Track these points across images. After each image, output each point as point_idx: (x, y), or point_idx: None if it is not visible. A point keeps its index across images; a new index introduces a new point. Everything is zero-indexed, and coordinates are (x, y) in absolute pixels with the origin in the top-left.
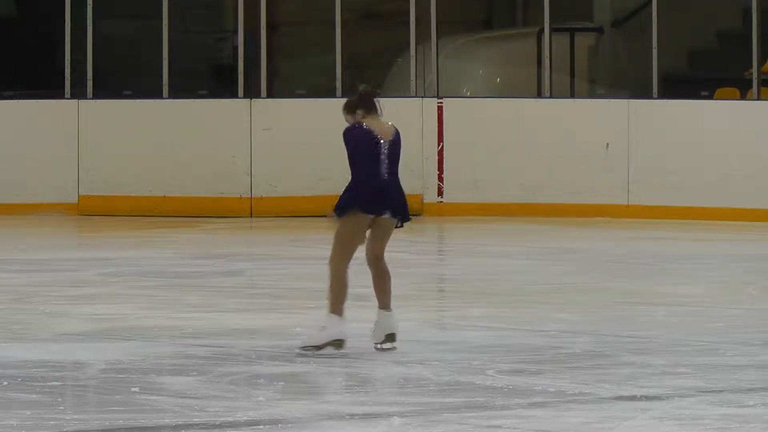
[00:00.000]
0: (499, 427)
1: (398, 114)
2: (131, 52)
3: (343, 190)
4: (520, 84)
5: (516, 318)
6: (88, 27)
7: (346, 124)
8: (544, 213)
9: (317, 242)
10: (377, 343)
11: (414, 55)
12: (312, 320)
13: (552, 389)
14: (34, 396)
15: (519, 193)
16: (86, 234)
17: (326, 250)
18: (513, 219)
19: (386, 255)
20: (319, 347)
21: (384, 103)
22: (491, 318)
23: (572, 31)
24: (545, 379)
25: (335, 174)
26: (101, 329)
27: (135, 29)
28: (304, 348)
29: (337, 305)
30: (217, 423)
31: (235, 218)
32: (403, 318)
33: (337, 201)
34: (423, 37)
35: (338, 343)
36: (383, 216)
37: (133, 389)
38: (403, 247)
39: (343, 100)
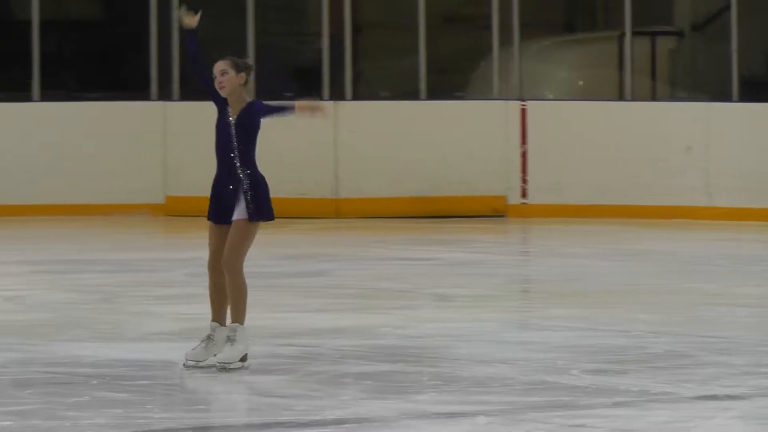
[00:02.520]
0: (583, 426)
1: (482, 116)
2: (216, 53)
3: (254, 186)
4: (601, 87)
5: (599, 318)
6: (174, 30)
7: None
8: (626, 215)
9: (401, 242)
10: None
11: (497, 57)
12: (397, 320)
13: (635, 389)
14: (123, 395)
15: (601, 194)
16: (173, 234)
17: (414, 251)
18: (595, 220)
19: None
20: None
21: (468, 106)
22: (575, 318)
23: (653, 35)
24: (628, 378)
25: (419, 175)
26: (189, 329)
27: (220, 31)
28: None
29: (244, 314)
30: (304, 421)
31: (320, 219)
32: (488, 318)
33: (262, 205)
34: (505, 40)
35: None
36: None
37: (220, 388)
38: (487, 248)
39: (428, 103)
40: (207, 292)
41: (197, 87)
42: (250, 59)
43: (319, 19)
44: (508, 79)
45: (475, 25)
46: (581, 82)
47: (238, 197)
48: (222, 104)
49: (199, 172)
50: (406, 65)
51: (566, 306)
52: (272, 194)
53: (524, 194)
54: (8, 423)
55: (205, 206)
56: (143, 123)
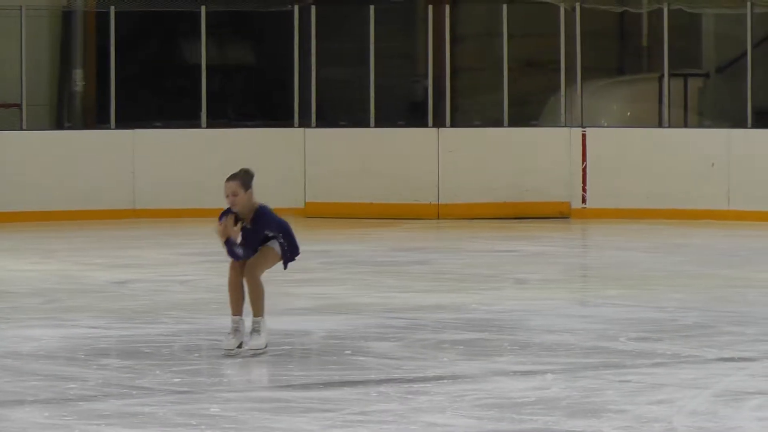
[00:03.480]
0: (629, 381)
1: (551, 139)
2: (345, 91)
3: (284, 238)
4: (645, 117)
5: (642, 297)
6: (312, 71)
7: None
8: (663, 216)
9: (489, 238)
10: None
11: (564, 94)
12: (484, 298)
13: (669, 353)
14: (269, 357)
15: (645, 200)
16: (311, 232)
17: (499, 245)
18: (640, 221)
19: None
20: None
21: (541, 131)
22: (623, 297)
23: (685, 76)
24: (664, 344)
25: (505, 185)
26: (322, 305)
27: (348, 74)
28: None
29: (263, 308)
30: (411, 378)
31: (425, 220)
32: (555, 297)
33: (292, 250)
34: (570, 80)
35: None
36: None
37: (346, 352)
38: (555, 243)
39: (510, 129)
40: (337, 276)
41: (329, 117)
42: (251, 169)
43: (426, 63)
44: (572, 111)
45: (547, 68)
46: (629, 113)
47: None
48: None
49: (330, 183)
50: (492, 99)
51: (616, 287)
52: (387, 200)
53: (584, 200)
54: (178, 380)
55: (336, 211)
56: (287, 145)
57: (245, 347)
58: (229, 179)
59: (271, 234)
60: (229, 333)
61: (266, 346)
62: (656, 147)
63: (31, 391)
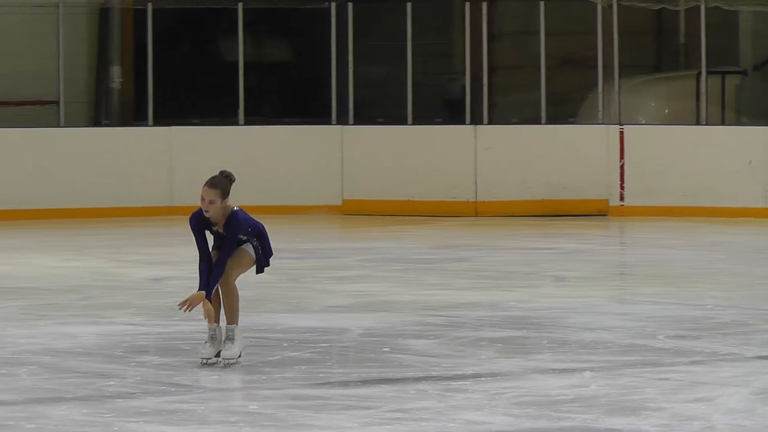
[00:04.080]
0: (667, 379)
1: (589, 137)
2: (383, 88)
3: (258, 241)
4: (682, 114)
5: (679, 295)
6: (350, 68)
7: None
8: (701, 214)
9: (527, 235)
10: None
11: (601, 91)
12: (523, 296)
13: (707, 350)
14: (307, 354)
15: (683, 198)
16: (348, 229)
17: (537, 242)
18: (678, 218)
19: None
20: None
21: (578, 129)
22: (661, 295)
23: (723, 74)
24: (702, 342)
25: (543, 183)
26: (360, 303)
27: (386, 71)
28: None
29: (237, 316)
30: (450, 375)
31: (463, 217)
32: (593, 295)
33: (266, 255)
34: (608, 77)
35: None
36: None
37: (384, 349)
38: (593, 240)
39: (548, 127)
40: (374, 274)
41: (366, 114)
42: (233, 174)
43: (463, 61)
44: (609, 108)
45: (584, 66)
46: (667, 111)
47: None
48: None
49: (367, 180)
50: (530, 97)
51: (654, 285)
52: (424, 198)
53: (622, 198)
54: (216, 377)
55: (373, 208)
56: (325, 142)
57: (221, 357)
58: (209, 186)
59: (244, 237)
60: (205, 341)
61: (240, 356)
62: (694, 145)
63: (69, 388)
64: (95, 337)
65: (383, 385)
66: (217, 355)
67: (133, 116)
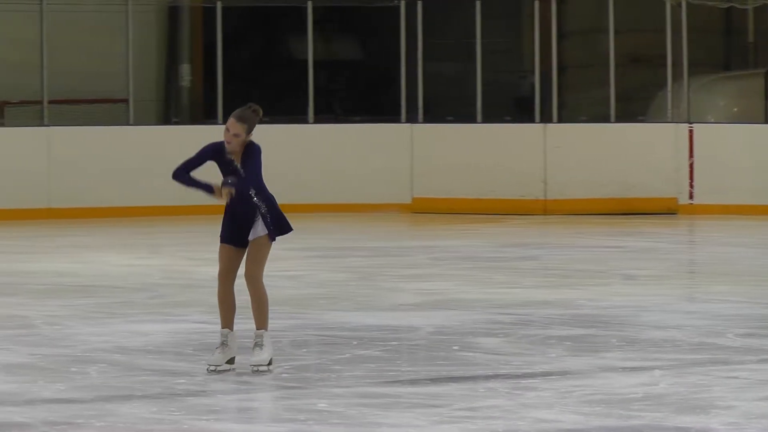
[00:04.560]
0: (737, 377)
1: (658, 135)
2: (452, 87)
3: (270, 209)
4: (750, 112)
5: (748, 293)
6: (419, 67)
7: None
8: None
9: (596, 234)
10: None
11: (670, 89)
12: (592, 294)
13: None
14: (377, 352)
15: (751, 196)
16: (418, 227)
17: (606, 241)
18: (747, 216)
19: None
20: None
21: (647, 127)
22: (730, 293)
23: None
24: None
25: (612, 181)
26: (429, 301)
27: (455, 69)
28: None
29: (267, 321)
30: (519, 374)
31: (532, 216)
32: (662, 293)
33: (280, 222)
34: (677, 75)
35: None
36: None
37: (453, 347)
38: (662, 239)
39: (617, 125)
40: (444, 272)
41: (436, 113)
42: (259, 108)
43: (533, 59)
44: (678, 107)
45: (653, 64)
46: (735, 109)
47: (255, 219)
48: (222, 163)
49: (437, 178)
50: (599, 95)
51: (723, 283)
52: (494, 196)
53: (691, 196)
54: (287, 375)
55: (444, 206)
56: (394, 140)
57: (249, 363)
58: (237, 119)
59: (255, 201)
60: (216, 347)
61: (270, 363)
62: (762, 143)
63: (139, 386)
64: (166, 335)
65: (453, 384)
66: (229, 362)
67: (203, 114)
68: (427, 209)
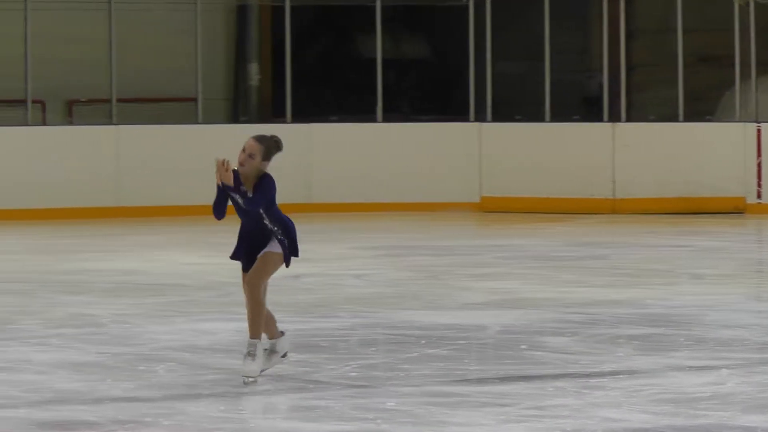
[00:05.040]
0: None
1: (726, 135)
2: (521, 86)
3: (285, 233)
4: None
5: None
6: (488, 66)
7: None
8: None
9: (664, 233)
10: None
11: (738, 89)
12: (660, 293)
13: None
14: (445, 351)
15: None
16: (486, 226)
17: (674, 240)
18: None
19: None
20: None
21: (716, 127)
22: None
23: None
24: None
25: (680, 180)
26: (497, 300)
27: (524, 68)
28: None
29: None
30: (587, 373)
31: (600, 215)
32: (730, 292)
33: (289, 249)
34: (745, 75)
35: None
36: None
37: (522, 346)
38: (730, 238)
39: (685, 124)
40: (512, 271)
41: (504, 112)
42: (282, 142)
43: (601, 58)
44: (746, 106)
45: (721, 63)
46: None
47: (270, 242)
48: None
49: (506, 178)
50: (667, 95)
51: None
52: (562, 195)
53: (759, 195)
54: (355, 374)
55: (513, 205)
56: (463, 139)
57: (241, 374)
58: (255, 139)
59: (270, 225)
60: (245, 356)
61: (261, 374)
62: None
63: (206, 384)
64: (233, 333)
65: (521, 383)
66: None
67: (271, 113)
68: (496, 208)
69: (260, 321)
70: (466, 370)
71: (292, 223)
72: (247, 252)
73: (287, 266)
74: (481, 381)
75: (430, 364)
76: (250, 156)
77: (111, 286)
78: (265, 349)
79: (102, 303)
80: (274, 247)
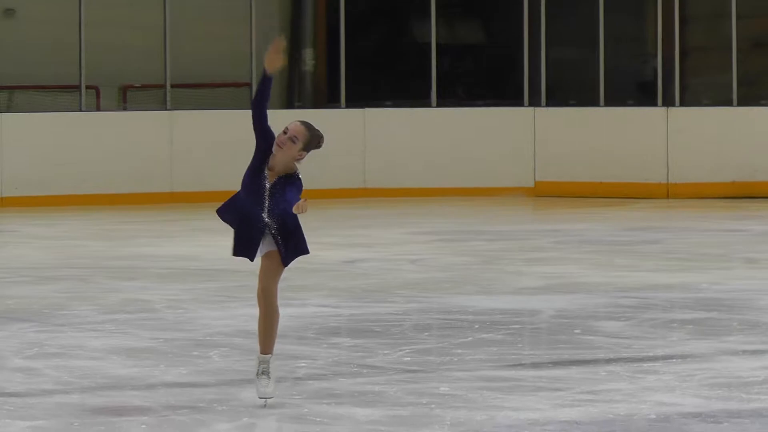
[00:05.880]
0: None
1: None
2: (575, 71)
3: (294, 231)
4: None
5: None
6: (542, 51)
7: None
8: None
9: (719, 218)
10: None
11: None
12: (714, 278)
13: None
14: (499, 336)
15: None
16: (541, 211)
17: (729, 224)
18: None
19: None
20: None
21: None
22: None
23: None
24: None
25: (733, 165)
26: (551, 284)
27: (578, 54)
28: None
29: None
30: (640, 357)
31: (654, 200)
32: None
33: (301, 245)
34: None
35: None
36: None
37: (575, 331)
38: None
39: (739, 108)
40: (566, 256)
41: (559, 97)
42: (323, 138)
43: (655, 43)
44: None
45: None
46: None
47: (263, 237)
48: (264, 153)
49: (560, 162)
50: (721, 80)
51: None
52: (616, 179)
53: None
54: (408, 359)
55: (567, 190)
56: (517, 124)
57: (258, 396)
58: (304, 125)
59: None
60: (259, 374)
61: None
62: None
63: None
64: (287, 318)
65: (574, 367)
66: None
67: (326, 98)
68: (550, 193)
69: (274, 335)
70: (520, 355)
71: (297, 219)
72: (251, 246)
73: (285, 266)
74: (534, 366)
75: (483, 349)
76: (292, 139)
77: (165, 271)
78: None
79: (156, 288)
80: (271, 245)
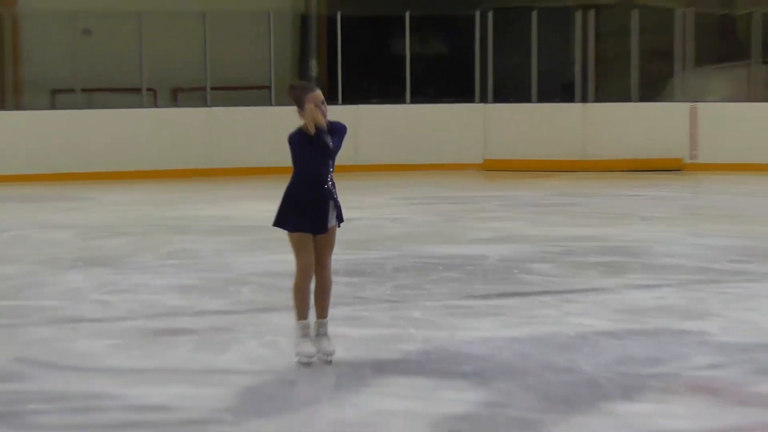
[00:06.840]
0: (727, 293)
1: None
2: (515, 75)
3: (337, 200)
4: None
5: None
6: (489, 60)
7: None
8: None
9: (627, 187)
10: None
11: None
12: (620, 231)
13: (759, 272)
14: (457, 275)
15: None
16: (489, 181)
17: (632, 192)
18: None
19: None
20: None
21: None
22: None
23: None
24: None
25: (637, 146)
26: (497, 236)
27: (517, 61)
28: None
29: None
30: (564, 290)
31: (575, 172)
32: (672, 230)
33: (340, 213)
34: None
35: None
36: None
37: (515, 271)
38: (669, 190)
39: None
40: (509, 215)
41: (503, 94)
42: (292, 88)
43: (576, 53)
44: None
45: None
46: None
47: (329, 206)
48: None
49: (504, 144)
50: (626, 82)
51: None
52: (546, 157)
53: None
54: (390, 292)
55: (509, 166)
56: (471, 116)
57: (325, 354)
58: (315, 89)
59: (330, 183)
60: (301, 337)
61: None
62: None
63: (281, 301)
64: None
65: (514, 298)
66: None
67: (328, 98)
68: (496, 168)
69: (329, 301)
70: (473, 289)
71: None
72: (312, 218)
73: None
74: (484, 297)
75: (446, 285)
76: (324, 103)
77: (207, 228)
78: (307, 334)
79: (201, 240)
80: (333, 217)
